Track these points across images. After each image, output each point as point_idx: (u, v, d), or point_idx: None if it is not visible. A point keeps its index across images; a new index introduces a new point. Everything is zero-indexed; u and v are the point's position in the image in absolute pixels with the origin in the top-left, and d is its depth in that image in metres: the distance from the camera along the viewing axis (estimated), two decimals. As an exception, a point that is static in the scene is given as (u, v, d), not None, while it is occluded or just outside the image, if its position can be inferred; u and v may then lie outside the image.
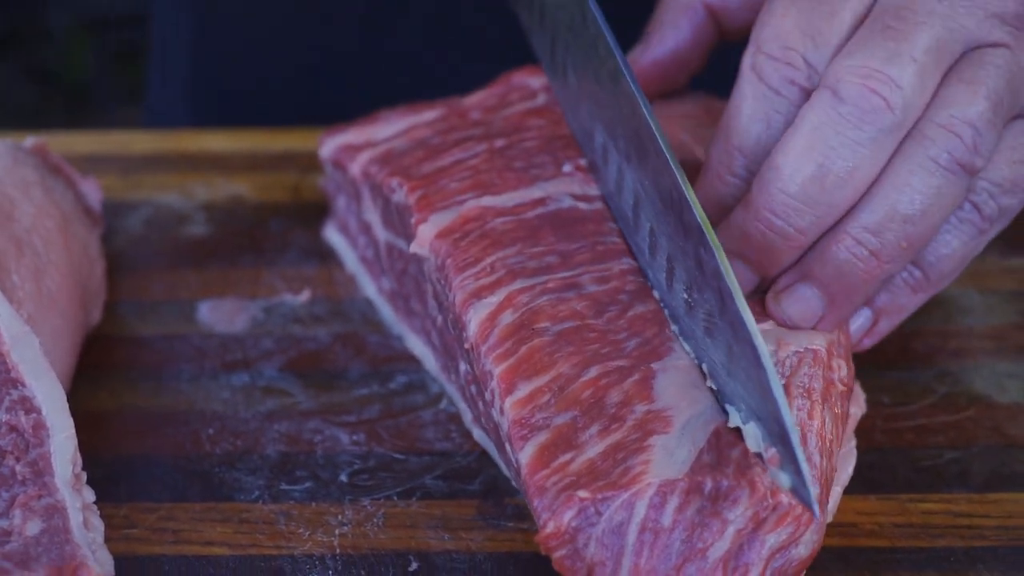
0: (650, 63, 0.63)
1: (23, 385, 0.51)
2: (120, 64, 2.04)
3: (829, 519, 0.52)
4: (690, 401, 0.49)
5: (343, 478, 0.57)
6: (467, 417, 0.59)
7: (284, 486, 0.56)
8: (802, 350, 0.52)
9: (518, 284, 0.53)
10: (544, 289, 0.53)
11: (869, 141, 0.50)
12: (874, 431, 0.59)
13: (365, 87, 0.90)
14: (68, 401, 0.57)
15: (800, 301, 0.54)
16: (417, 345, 0.64)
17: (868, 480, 0.56)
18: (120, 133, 0.86)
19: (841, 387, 0.53)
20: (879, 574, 0.52)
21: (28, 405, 0.51)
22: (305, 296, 0.69)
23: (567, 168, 0.59)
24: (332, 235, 0.73)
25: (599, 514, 0.46)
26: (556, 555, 0.46)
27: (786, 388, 0.50)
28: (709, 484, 0.46)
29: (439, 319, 0.58)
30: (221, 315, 0.68)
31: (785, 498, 0.46)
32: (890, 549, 0.53)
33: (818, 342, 0.53)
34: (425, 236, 0.56)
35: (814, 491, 0.46)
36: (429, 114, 0.68)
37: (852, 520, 0.54)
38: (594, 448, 0.47)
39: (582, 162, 0.59)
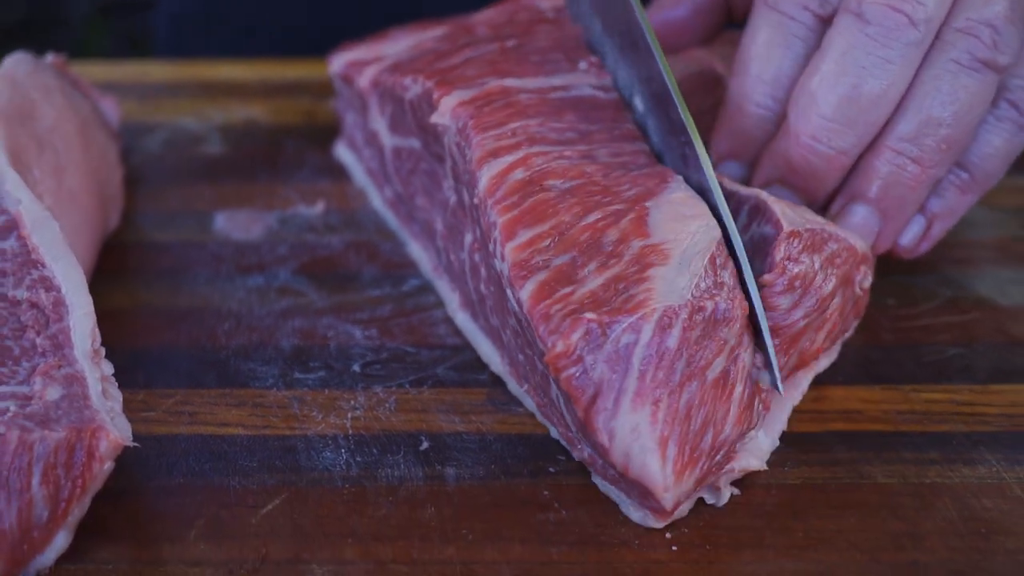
0: (659, 23, 0.64)
1: (43, 266, 0.53)
2: (138, 50, 2.06)
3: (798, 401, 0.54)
4: (684, 232, 0.50)
5: (356, 368, 0.58)
6: (452, 304, 0.60)
7: (298, 375, 0.57)
8: (827, 232, 0.53)
9: (536, 148, 0.54)
10: (560, 156, 0.54)
11: (898, 57, 0.52)
12: (880, 330, 0.60)
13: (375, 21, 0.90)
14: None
15: (856, 221, 0.56)
16: (415, 249, 0.65)
17: (874, 373, 0.57)
18: (136, 63, 0.87)
19: (859, 292, 0.55)
20: (882, 454, 0.52)
21: (48, 284, 0.52)
22: (319, 207, 0.70)
23: (583, 65, 0.60)
24: (342, 152, 0.74)
25: (605, 336, 0.47)
26: (564, 374, 0.47)
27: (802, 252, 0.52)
28: (710, 307, 0.48)
29: (452, 200, 0.59)
30: (237, 224, 0.69)
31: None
32: (894, 433, 0.54)
33: (859, 244, 0.54)
34: (447, 105, 0.56)
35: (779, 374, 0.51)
36: (436, 30, 0.69)
37: (857, 407, 0.55)
38: (594, 281, 0.49)
39: (594, 59, 0.60)
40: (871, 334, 0.59)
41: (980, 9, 0.53)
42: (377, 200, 0.70)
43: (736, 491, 0.50)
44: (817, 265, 0.52)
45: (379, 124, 0.66)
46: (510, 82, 0.58)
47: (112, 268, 0.65)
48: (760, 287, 0.51)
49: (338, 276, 0.64)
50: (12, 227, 0.53)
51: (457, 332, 0.60)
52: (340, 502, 0.50)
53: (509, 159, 0.54)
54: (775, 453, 0.52)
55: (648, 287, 0.48)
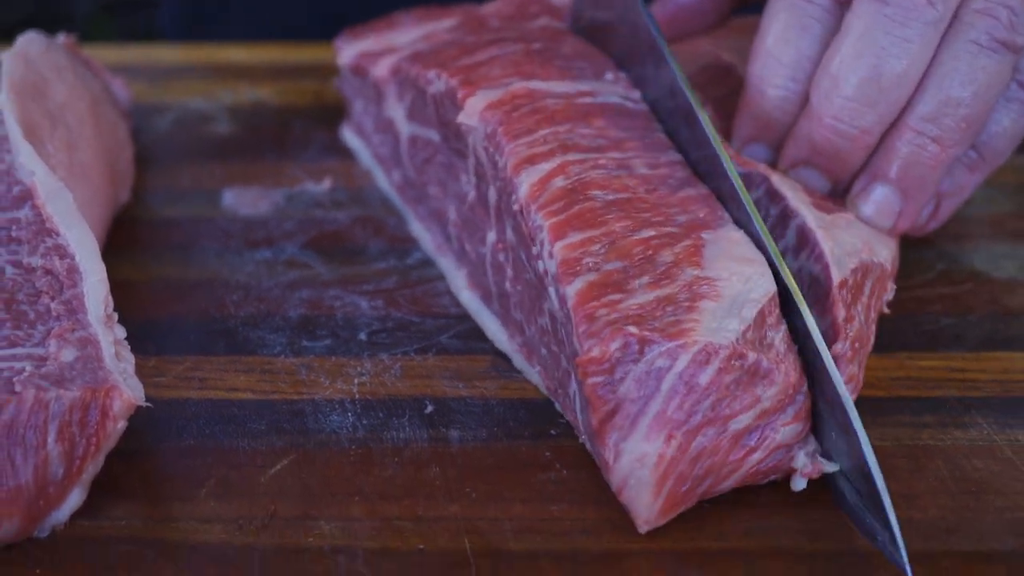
0: (672, 8, 0.66)
1: (57, 234, 0.54)
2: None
3: None
4: (740, 275, 0.49)
5: (362, 337, 0.59)
6: (456, 281, 0.61)
7: (305, 343, 0.59)
8: (866, 263, 0.53)
9: (570, 156, 0.53)
10: (595, 164, 0.53)
11: (917, 36, 0.53)
12: (875, 300, 0.61)
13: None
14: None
15: (877, 201, 0.56)
16: (418, 228, 0.66)
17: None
18: (146, 45, 0.89)
19: (885, 311, 0.55)
20: (877, 418, 0.54)
21: (62, 252, 0.53)
22: (326, 184, 0.71)
23: (609, 76, 0.60)
24: (349, 137, 0.75)
25: (642, 354, 0.46)
26: (591, 380, 0.46)
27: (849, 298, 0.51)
28: (752, 358, 0.46)
29: (471, 195, 0.59)
30: (245, 201, 0.70)
31: (803, 395, 0.48)
32: (888, 398, 0.55)
33: (884, 255, 0.54)
34: (474, 107, 0.56)
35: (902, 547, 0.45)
36: (447, 21, 0.70)
37: (851, 374, 0.56)
38: (644, 296, 0.48)
39: (621, 74, 0.60)
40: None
41: None
42: (383, 182, 0.71)
43: None
44: (862, 317, 0.52)
45: (396, 112, 0.66)
46: (536, 85, 0.57)
47: (123, 243, 0.66)
48: (836, 359, 0.50)
49: (344, 250, 0.66)
50: (27, 197, 0.55)
51: (462, 304, 0.61)
52: (347, 463, 0.52)
53: (546, 166, 0.53)
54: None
55: (696, 318, 0.47)
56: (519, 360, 0.57)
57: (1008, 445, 0.52)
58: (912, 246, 0.65)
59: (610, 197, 0.52)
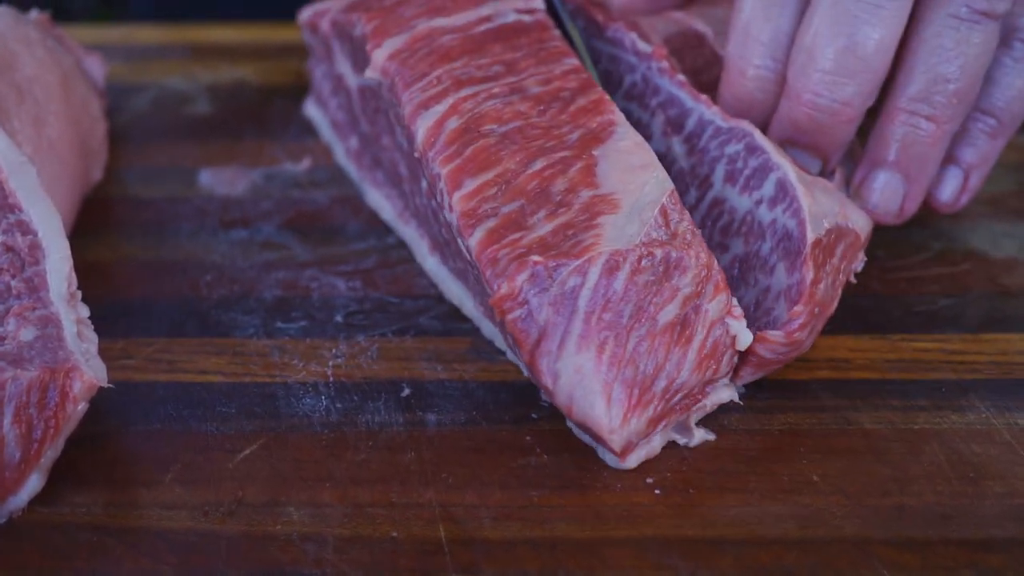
0: None
1: (20, 210, 0.52)
2: (115, 11, 2.05)
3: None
4: (635, 183, 0.49)
5: (338, 318, 0.57)
6: (421, 250, 0.60)
7: (280, 324, 0.57)
8: (840, 227, 0.52)
9: (464, 92, 0.53)
10: (489, 95, 0.53)
11: (889, 2, 0.51)
12: (870, 280, 0.59)
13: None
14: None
15: (879, 188, 0.55)
16: (376, 198, 0.64)
17: (862, 322, 0.56)
18: (125, 25, 0.87)
19: (852, 280, 0.54)
20: (870, 401, 0.52)
21: (24, 228, 0.51)
22: (306, 164, 0.69)
23: None
24: (310, 109, 0.73)
25: (551, 278, 0.46)
26: (510, 317, 0.46)
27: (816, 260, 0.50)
28: (660, 253, 0.47)
29: (405, 145, 0.58)
30: (221, 180, 0.68)
31: (717, 271, 0.48)
32: (881, 380, 0.53)
33: (860, 223, 0.53)
34: (378, 60, 0.56)
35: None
36: None
37: (845, 356, 0.54)
38: (543, 228, 0.48)
39: None
40: (860, 284, 0.58)
41: None
42: (340, 154, 0.69)
43: (711, 435, 0.50)
44: (829, 280, 0.51)
45: (344, 66, 0.65)
46: (438, 23, 0.57)
47: (95, 222, 0.64)
48: (760, 340, 0.49)
49: (322, 230, 0.64)
50: (-11, 172, 0.53)
51: (442, 283, 0.59)
52: (319, 447, 0.50)
53: (439, 109, 0.53)
54: (759, 400, 0.51)
55: (597, 233, 0.47)
56: (487, 328, 0.55)
57: (1007, 428, 0.50)
58: (908, 225, 0.63)
59: (503, 129, 0.52)
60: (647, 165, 0.50)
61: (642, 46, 0.59)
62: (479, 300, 0.55)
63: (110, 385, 0.47)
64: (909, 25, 0.54)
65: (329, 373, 0.54)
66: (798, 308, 0.49)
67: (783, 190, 0.51)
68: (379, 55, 0.56)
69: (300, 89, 0.77)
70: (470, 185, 0.50)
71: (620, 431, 0.47)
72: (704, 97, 0.56)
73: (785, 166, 0.52)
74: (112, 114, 0.74)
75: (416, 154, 0.53)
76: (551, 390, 0.47)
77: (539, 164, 0.51)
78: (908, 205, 0.56)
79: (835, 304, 0.52)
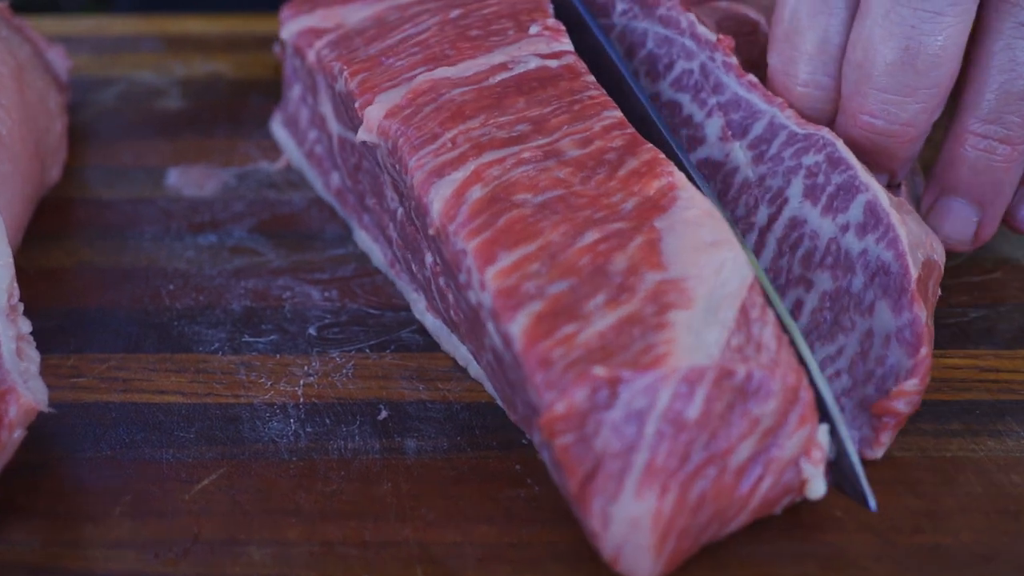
0: None
1: (-42, 213, 0.47)
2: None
3: None
4: (709, 267, 0.41)
5: (312, 331, 0.52)
6: (418, 306, 0.52)
7: (247, 338, 0.52)
8: (930, 259, 0.46)
9: (487, 157, 0.45)
10: (518, 160, 0.45)
11: (949, 7, 0.46)
12: (893, 290, 0.54)
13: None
14: (21, 257, 0.53)
15: (949, 216, 0.50)
16: (364, 240, 0.57)
17: (886, 336, 0.51)
18: (97, 16, 0.82)
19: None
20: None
21: (-38, 233, 0.46)
22: (282, 163, 0.64)
23: (534, 30, 0.51)
24: (277, 129, 0.65)
25: (616, 396, 0.38)
26: (560, 441, 0.38)
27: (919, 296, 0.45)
28: (741, 373, 0.39)
29: (399, 212, 0.51)
30: (190, 180, 0.63)
31: (804, 394, 0.40)
32: (909, 402, 0.48)
33: (940, 253, 0.48)
34: (373, 119, 0.47)
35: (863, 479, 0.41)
36: None
37: (868, 374, 0.49)
38: (603, 320, 0.39)
39: (551, 22, 0.51)
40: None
41: None
42: (320, 187, 0.61)
43: None
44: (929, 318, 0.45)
45: (327, 108, 0.57)
46: (442, 73, 0.48)
47: (52, 225, 0.59)
48: (897, 397, 0.44)
49: (298, 234, 0.59)
50: (-76, 171, 0.48)
51: (426, 293, 0.54)
52: (285, 476, 0.45)
53: (458, 176, 0.44)
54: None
55: (668, 337, 0.39)
56: (491, 387, 0.49)
57: (1050, 457, 0.45)
58: (933, 230, 0.58)
59: (540, 199, 0.43)
60: (721, 242, 0.41)
61: (703, 31, 0.52)
62: (504, 388, 0.45)
63: (50, 410, 0.42)
64: (975, 35, 0.48)
65: (299, 393, 0.49)
66: (924, 350, 0.43)
67: (874, 216, 0.46)
68: (374, 113, 0.47)
69: (277, 84, 0.72)
70: (507, 259, 0.41)
71: None
72: (779, 100, 0.49)
73: (874, 186, 0.46)
74: (76, 109, 0.69)
75: (432, 231, 0.44)
76: (598, 535, 0.39)
77: (590, 237, 0.42)
78: (983, 232, 0.51)
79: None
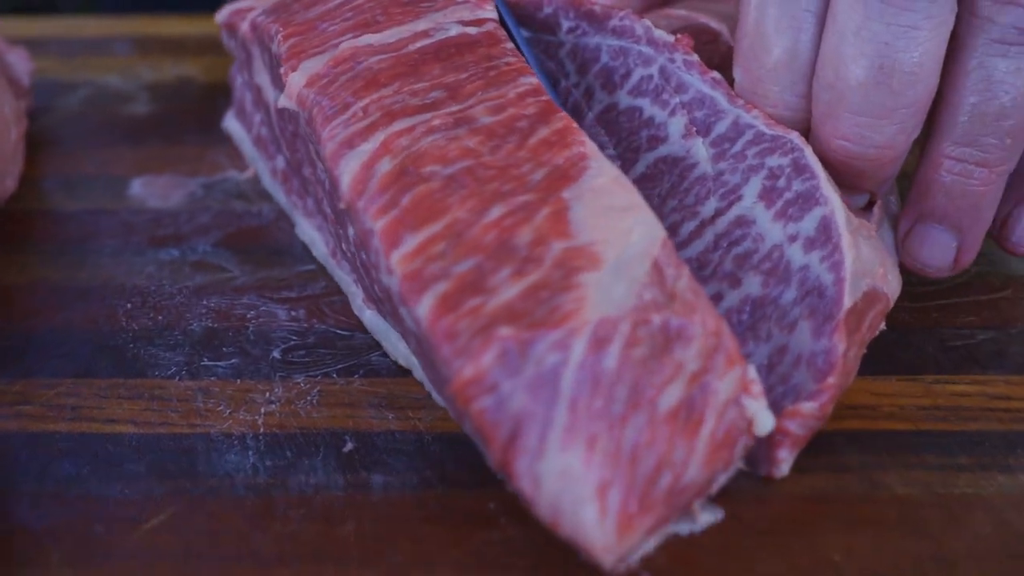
0: None
1: None
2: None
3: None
4: (617, 230, 0.40)
5: (276, 355, 0.49)
6: (355, 300, 0.50)
7: (207, 362, 0.48)
8: (876, 290, 0.44)
9: (397, 126, 0.44)
10: (429, 128, 0.44)
11: (925, 20, 0.42)
12: (898, 310, 0.50)
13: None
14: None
15: (927, 243, 0.48)
16: (307, 229, 0.55)
17: (889, 360, 0.48)
18: (66, 18, 0.79)
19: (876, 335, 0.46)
20: (901, 459, 0.43)
21: None
22: (251, 172, 0.61)
23: None
24: (231, 122, 0.63)
25: (526, 356, 0.37)
26: (475, 406, 0.37)
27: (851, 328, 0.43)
28: (658, 320, 0.38)
29: (327, 183, 0.48)
30: (154, 190, 0.60)
31: (728, 338, 0.39)
32: (914, 432, 0.45)
33: (893, 287, 0.45)
34: (293, 87, 0.47)
35: None
36: None
37: (870, 402, 0.46)
38: (510, 291, 0.39)
39: None
40: (888, 315, 0.50)
41: None
42: (266, 175, 0.59)
43: (719, 512, 0.41)
44: (854, 352, 0.43)
45: (263, 78, 0.56)
46: (366, 40, 0.47)
47: (5, 239, 0.56)
48: (791, 416, 0.41)
49: (266, 249, 0.55)
50: None
51: (399, 313, 0.51)
52: (241, 516, 0.41)
53: (368, 147, 0.43)
54: (771, 457, 0.43)
55: (578, 296, 0.38)
56: (437, 397, 0.46)
57: (1066, 494, 0.42)
58: (939, 245, 0.55)
59: (449, 171, 0.43)
60: (631, 207, 0.41)
61: (659, 34, 0.49)
62: (431, 374, 0.45)
63: (-18, 444, 0.39)
64: (948, 52, 0.45)
65: (260, 422, 0.45)
66: (831, 380, 0.41)
67: (826, 233, 0.43)
68: (295, 81, 0.47)
69: (252, 87, 0.69)
70: (412, 241, 0.41)
71: (616, 547, 0.37)
72: (742, 101, 0.47)
73: (835, 202, 0.43)
74: (39, 115, 0.66)
75: (342, 204, 0.44)
76: (531, 497, 0.37)
77: (496, 212, 0.41)
78: (963, 258, 0.48)
79: (852, 377, 0.44)
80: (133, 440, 0.45)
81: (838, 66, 0.43)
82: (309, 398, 0.46)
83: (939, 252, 0.48)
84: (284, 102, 0.47)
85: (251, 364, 0.48)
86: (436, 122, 0.44)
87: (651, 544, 0.39)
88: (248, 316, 0.51)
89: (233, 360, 0.48)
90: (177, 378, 0.48)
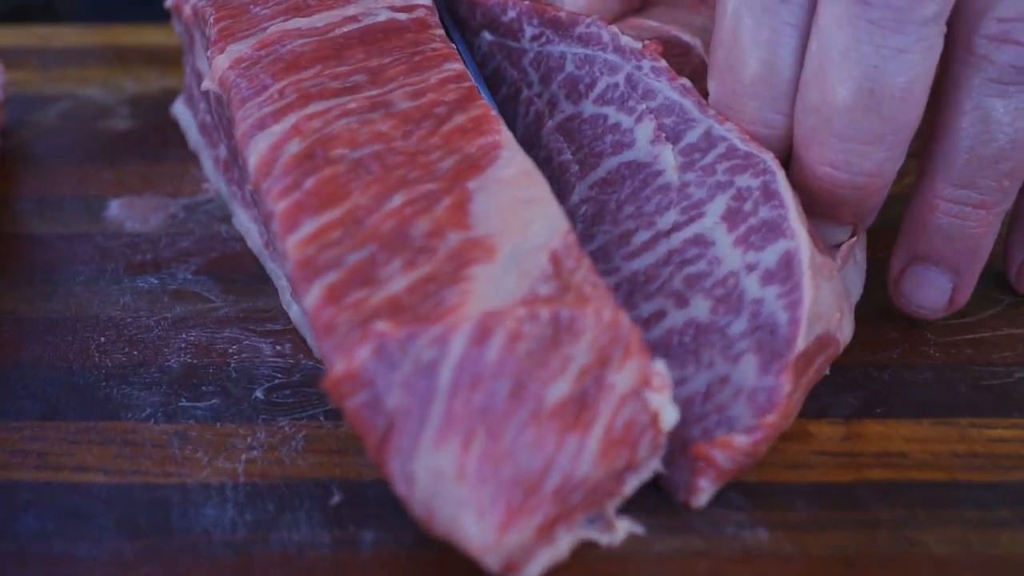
0: None
1: None
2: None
3: None
4: (517, 223, 0.39)
5: (259, 394, 0.45)
6: (284, 295, 0.49)
7: (184, 403, 0.45)
8: (830, 335, 0.42)
9: (311, 108, 0.43)
10: (344, 111, 0.43)
11: (916, 43, 0.40)
12: (927, 345, 0.47)
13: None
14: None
15: (923, 285, 0.46)
16: (243, 220, 0.53)
17: (920, 402, 0.45)
18: (46, 26, 0.75)
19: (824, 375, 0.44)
20: (935, 512, 0.40)
21: None
22: (236, 192, 0.57)
23: None
24: (179, 110, 0.61)
25: (403, 352, 0.36)
26: (350, 403, 0.36)
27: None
28: (546, 314, 0.37)
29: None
30: (134, 212, 0.56)
31: (626, 330, 0.37)
32: (949, 484, 0.41)
33: (846, 333, 0.43)
34: (217, 69, 0.46)
35: None
36: None
37: (900, 448, 0.43)
38: (397, 283, 0.38)
39: None
40: (913, 350, 0.47)
41: (1007, 5, 0.41)
42: (209, 165, 0.58)
43: (639, 527, 0.39)
44: (799, 395, 0.42)
45: (203, 62, 0.54)
46: (294, 24, 0.47)
47: (-26, 266, 0.52)
48: (721, 446, 0.39)
49: (250, 276, 0.52)
50: None
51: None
52: (218, 578, 0.38)
53: (277, 129, 0.43)
54: (792, 513, 0.40)
55: (465, 289, 0.37)
56: None
57: (1117, 554, 0.39)
58: (968, 273, 0.51)
59: (357, 155, 0.42)
60: (535, 200, 0.40)
61: (627, 41, 0.47)
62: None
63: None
64: (941, 89, 0.43)
65: (240, 471, 0.42)
66: (771, 418, 0.39)
67: (788, 269, 0.41)
68: (219, 63, 0.46)
69: (239, 101, 0.65)
70: (309, 227, 0.40)
71: (497, 548, 0.35)
72: (713, 111, 0.44)
73: (801, 237, 0.41)
74: (12, 131, 0.62)
75: (250, 186, 0.43)
76: (405, 497, 0.36)
77: (398, 200, 0.40)
78: (959, 298, 0.46)
79: (791, 421, 0.42)
80: (103, 491, 0.41)
81: (824, 88, 0.41)
82: (294, 443, 0.43)
83: (935, 294, 0.46)
84: (208, 84, 0.47)
85: (232, 405, 0.45)
86: (352, 105, 0.43)
87: (561, 549, 0.37)
88: (230, 351, 0.48)
89: (213, 400, 0.45)
90: (152, 420, 0.44)
